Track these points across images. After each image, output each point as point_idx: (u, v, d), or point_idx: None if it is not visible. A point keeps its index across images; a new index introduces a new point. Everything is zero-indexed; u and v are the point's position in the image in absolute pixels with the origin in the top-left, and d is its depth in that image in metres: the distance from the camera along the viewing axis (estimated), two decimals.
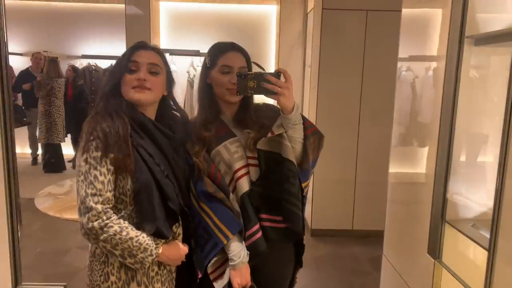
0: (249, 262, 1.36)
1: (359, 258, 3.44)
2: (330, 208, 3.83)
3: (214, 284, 1.35)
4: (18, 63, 5.87)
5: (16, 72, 5.69)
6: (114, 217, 1.17)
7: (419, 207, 1.79)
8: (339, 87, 3.68)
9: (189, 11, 4.66)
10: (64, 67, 5.74)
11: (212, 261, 1.33)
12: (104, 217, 1.14)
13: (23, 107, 5.71)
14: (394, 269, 2.06)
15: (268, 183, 1.37)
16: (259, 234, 1.36)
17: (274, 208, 1.39)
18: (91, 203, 1.13)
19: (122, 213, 1.21)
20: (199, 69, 4.12)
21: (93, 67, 5.97)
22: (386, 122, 2.37)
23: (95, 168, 1.15)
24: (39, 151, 5.85)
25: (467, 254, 1.52)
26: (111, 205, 1.18)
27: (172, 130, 1.34)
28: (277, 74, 1.29)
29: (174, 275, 1.35)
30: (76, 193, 1.17)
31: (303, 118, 1.37)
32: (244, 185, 1.37)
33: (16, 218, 1.46)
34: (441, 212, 1.61)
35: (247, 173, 1.38)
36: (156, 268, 1.26)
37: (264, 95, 1.30)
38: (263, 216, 1.39)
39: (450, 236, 1.59)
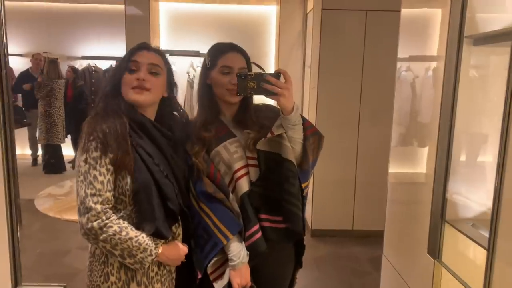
0: (249, 262, 1.36)
1: (359, 258, 3.44)
2: (330, 208, 3.83)
3: (214, 284, 1.35)
4: (18, 64, 5.88)
5: (16, 73, 5.70)
6: (114, 217, 1.17)
7: (419, 207, 1.79)
8: (339, 88, 3.68)
9: (188, 11, 4.67)
10: (64, 68, 5.75)
11: (212, 261, 1.34)
12: (104, 217, 1.14)
13: (23, 108, 5.72)
14: (394, 269, 2.06)
15: (268, 183, 1.38)
16: (259, 234, 1.36)
17: (274, 209, 1.39)
18: (91, 203, 1.14)
19: (121, 213, 1.21)
20: (199, 69, 4.12)
21: (93, 68, 5.98)
22: (386, 122, 2.37)
23: (95, 168, 1.15)
24: (39, 152, 5.86)
25: (467, 254, 1.52)
26: (110, 205, 1.18)
27: (172, 130, 1.35)
28: (277, 74, 1.29)
29: (174, 275, 1.35)
30: (76, 193, 1.18)
31: (303, 118, 1.37)
32: (243, 186, 1.37)
33: (16, 219, 1.46)
34: (441, 212, 1.61)
35: (247, 173, 1.38)
36: (156, 268, 1.27)
37: (264, 95, 1.30)
38: (263, 216, 1.39)
39: (450, 236, 1.59)
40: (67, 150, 5.64)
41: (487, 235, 1.20)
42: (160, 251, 1.22)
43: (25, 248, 3.21)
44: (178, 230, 1.30)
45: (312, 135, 1.40)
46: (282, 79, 1.29)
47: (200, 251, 1.35)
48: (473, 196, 1.62)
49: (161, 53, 1.33)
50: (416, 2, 2.04)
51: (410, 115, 2.05)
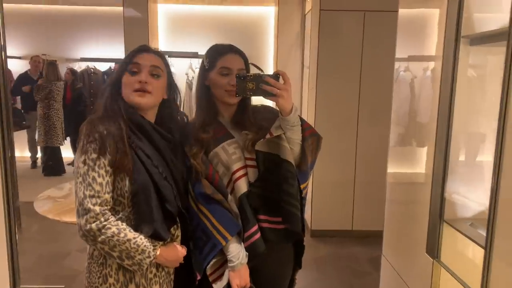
0: (248, 263, 1.36)
1: (358, 258, 3.44)
2: (330, 209, 3.83)
3: (213, 285, 1.35)
4: (16, 67, 5.88)
5: (15, 76, 5.70)
6: (112, 218, 1.17)
7: (417, 207, 1.79)
8: (338, 88, 3.69)
9: (187, 13, 4.68)
10: (62, 70, 5.75)
11: (211, 262, 1.34)
12: (102, 219, 1.14)
13: (22, 111, 5.72)
14: (393, 269, 2.06)
15: (267, 184, 1.38)
16: (258, 235, 1.36)
17: (273, 209, 1.39)
18: (89, 205, 1.14)
19: (120, 215, 1.21)
20: (197, 71, 4.13)
21: (92, 70, 5.98)
22: (384, 122, 2.38)
23: (93, 170, 1.15)
24: (39, 155, 5.85)
25: (465, 253, 1.52)
26: (109, 207, 1.18)
27: (172, 133, 1.35)
28: (276, 76, 1.29)
29: (172, 277, 1.35)
30: (75, 195, 1.18)
31: (301, 120, 1.37)
32: (242, 186, 1.37)
33: (14, 220, 1.46)
34: (439, 212, 1.62)
35: (245, 174, 1.39)
36: (154, 270, 1.27)
37: (263, 96, 1.30)
38: (262, 217, 1.39)
39: (449, 236, 1.59)
40: (66, 152, 5.64)
41: (485, 234, 1.20)
42: (158, 252, 1.23)
43: (25, 250, 3.22)
44: (177, 232, 1.30)
45: (311, 136, 1.40)
46: (281, 80, 1.30)
47: (199, 253, 1.35)
48: (471, 195, 1.62)
49: (161, 55, 1.33)
50: (414, 2, 2.04)
51: (408, 115, 2.05)
